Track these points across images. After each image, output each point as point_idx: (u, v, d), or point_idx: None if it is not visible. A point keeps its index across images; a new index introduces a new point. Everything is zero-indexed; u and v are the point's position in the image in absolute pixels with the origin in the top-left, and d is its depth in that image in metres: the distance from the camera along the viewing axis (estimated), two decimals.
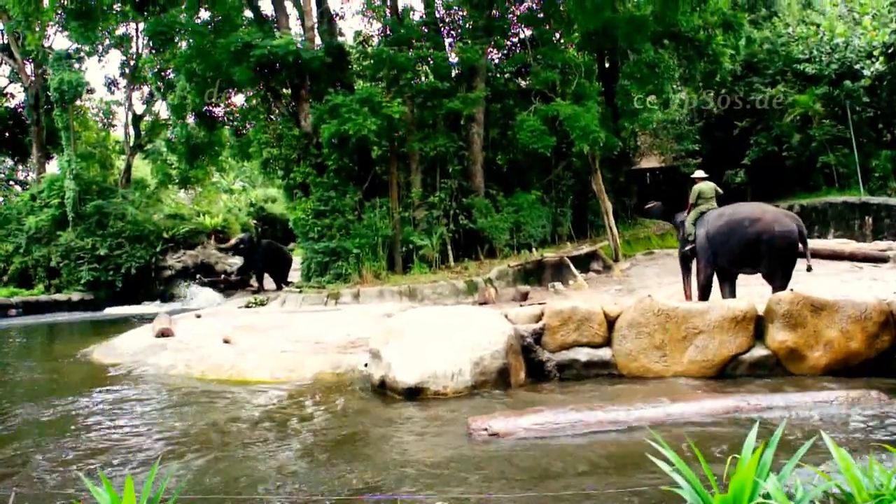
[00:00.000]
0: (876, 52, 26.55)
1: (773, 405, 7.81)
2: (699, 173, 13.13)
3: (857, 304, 9.31)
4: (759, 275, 12.19)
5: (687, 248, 12.99)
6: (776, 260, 11.45)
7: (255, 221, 27.81)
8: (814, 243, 22.02)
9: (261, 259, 23.18)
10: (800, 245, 11.65)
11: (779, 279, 11.48)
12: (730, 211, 12.12)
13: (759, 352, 9.97)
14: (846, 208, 25.35)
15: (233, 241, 23.30)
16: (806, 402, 7.79)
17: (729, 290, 12.34)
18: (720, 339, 9.96)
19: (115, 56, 31.11)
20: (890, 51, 25.57)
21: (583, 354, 10.62)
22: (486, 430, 7.45)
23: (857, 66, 26.77)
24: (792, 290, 10.50)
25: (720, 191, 13.00)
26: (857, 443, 6.34)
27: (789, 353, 9.56)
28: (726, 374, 9.91)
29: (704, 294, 12.55)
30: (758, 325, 10.12)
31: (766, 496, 3.54)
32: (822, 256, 20.46)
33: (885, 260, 19.35)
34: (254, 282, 24.31)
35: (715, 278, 12.65)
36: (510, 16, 23.19)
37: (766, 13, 30.00)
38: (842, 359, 9.25)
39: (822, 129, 26.58)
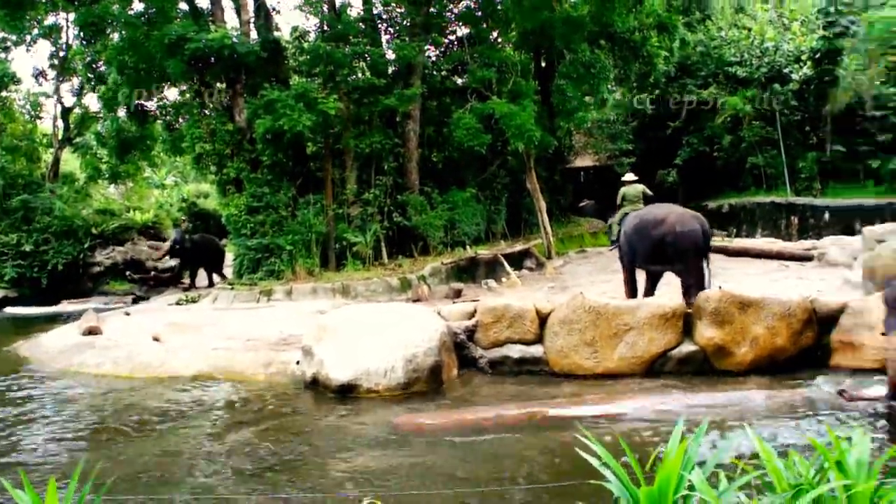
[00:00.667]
0: (804, 57, 27.23)
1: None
2: (628, 176, 13.54)
3: (783, 301, 9.54)
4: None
5: (612, 248, 13.46)
6: (680, 259, 11.71)
7: (183, 218, 27.25)
8: (742, 242, 22.51)
9: (193, 254, 22.72)
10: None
11: (691, 277, 11.69)
12: (643, 212, 12.42)
13: (687, 348, 10.15)
14: (774, 208, 25.89)
15: (166, 247, 22.58)
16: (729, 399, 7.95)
17: (649, 287, 12.63)
18: (650, 335, 10.10)
19: (44, 46, 30.28)
20: (817, 56, 26.21)
21: (515, 351, 10.71)
22: (410, 427, 7.45)
23: (786, 70, 27.41)
24: (720, 287, 10.69)
25: (649, 192, 13.30)
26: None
27: (717, 349, 9.75)
28: (655, 370, 10.08)
29: (630, 291, 12.81)
30: (686, 322, 10.29)
31: (691, 488, 3.57)
32: (751, 255, 20.81)
33: (810, 259, 19.73)
34: (186, 279, 23.90)
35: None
36: (448, 13, 23.19)
37: (700, 16, 30.39)
38: (767, 355, 9.47)
39: (751, 130, 27.12)
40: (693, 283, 11.41)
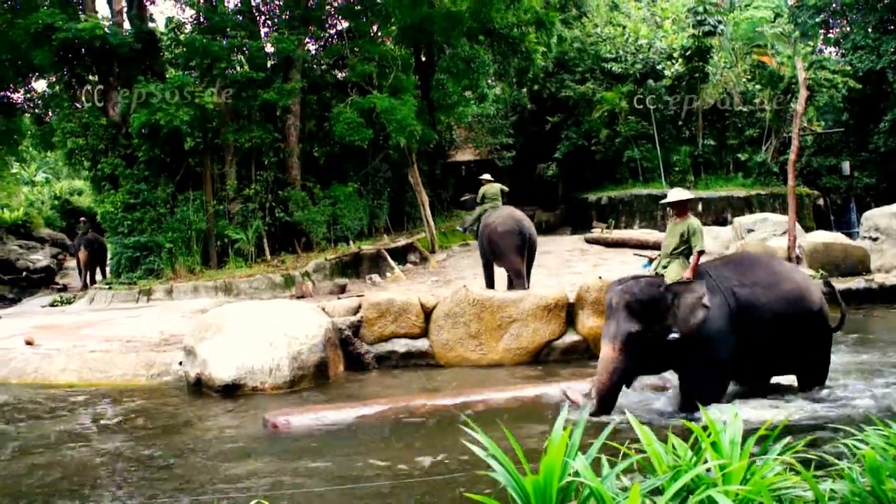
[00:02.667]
0: (676, 55, 28.10)
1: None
2: (486, 176, 14.45)
3: None
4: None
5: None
6: (502, 256, 12.90)
7: (83, 218, 26.12)
8: (621, 234, 23.15)
9: (101, 254, 21.75)
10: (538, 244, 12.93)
11: (511, 272, 12.93)
12: (486, 215, 13.54)
13: (570, 338, 10.44)
14: (650, 200, 26.62)
15: (84, 256, 21.32)
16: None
17: (489, 273, 13.71)
18: (534, 326, 10.33)
19: None
20: (687, 53, 27.08)
21: (401, 345, 10.80)
22: (283, 425, 7.43)
23: (659, 67, 28.23)
24: (600, 277, 11.02)
25: (506, 190, 14.29)
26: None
27: (599, 338, 9.99)
28: (540, 360, 10.31)
29: (488, 283, 13.68)
30: (569, 313, 10.57)
31: (576, 474, 3.67)
32: (629, 246, 21.45)
33: None
34: (59, 279, 23.04)
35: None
36: (328, 7, 22.98)
37: (577, 13, 31.06)
38: None
39: (627, 125, 27.83)
40: (513, 277, 12.73)
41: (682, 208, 8.10)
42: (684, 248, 7.85)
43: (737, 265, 7.86)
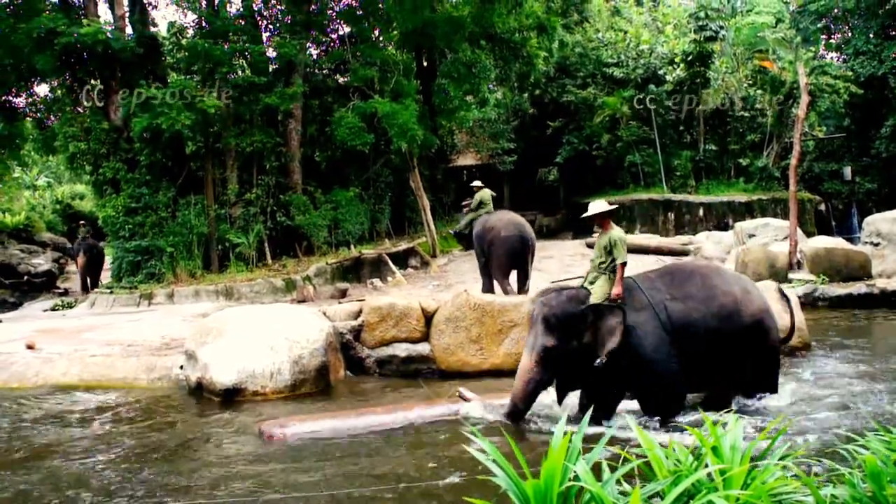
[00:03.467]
0: (677, 59, 28.11)
1: None
2: (478, 182, 14.90)
3: None
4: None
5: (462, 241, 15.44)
6: (503, 260, 13.29)
7: (83, 222, 26.10)
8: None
9: (100, 260, 21.72)
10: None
11: (521, 274, 13.46)
12: (485, 219, 13.86)
13: None
14: (651, 205, 26.66)
15: (83, 262, 21.25)
16: None
17: (487, 280, 13.94)
18: None
19: None
20: (689, 59, 27.11)
21: (402, 350, 10.76)
22: (279, 434, 7.41)
23: (661, 72, 28.26)
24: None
25: (493, 194, 14.86)
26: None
27: None
28: None
29: (486, 287, 13.95)
30: None
31: (576, 478, 3.66)
32: (630, 251, 21.32)
33: (686, 253, 20.47)
34: (61, 283, 23.03)
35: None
36: (329, 12, 23.02)
37: (578, 18, 31.13)
38: None
39: (629, 130, 27.85)
40: (523, 281, 13.37)
41: (603, 220, 7.78)
42: (610, 261, 7.54)
43: (671, 277, 7.58)
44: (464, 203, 15.83)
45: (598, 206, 7.78)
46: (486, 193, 14.47)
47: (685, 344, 7.15)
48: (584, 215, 8.06)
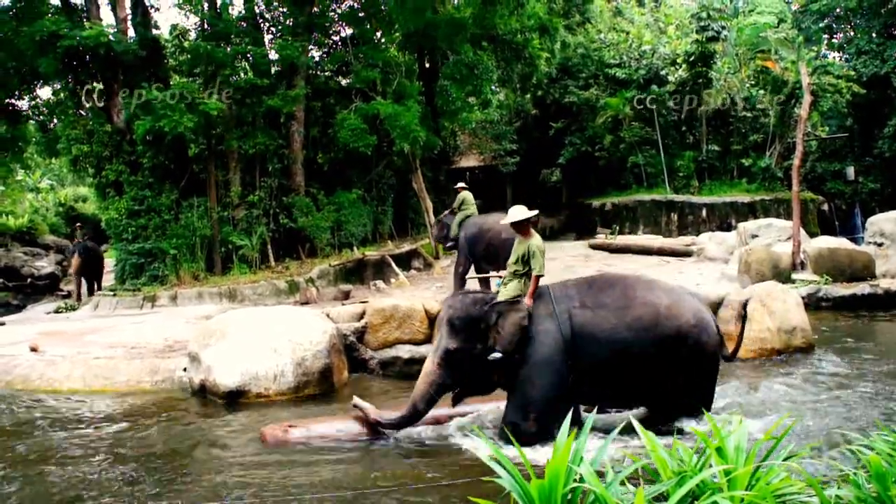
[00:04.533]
0: (679, 60, 28.06)
1: None
2: (461, 184, 15.30)
3: None
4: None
5: (448, 244, 15.57)
6: (503, 261, 12.93)
7: (79, 224, 26.11)
8: (625, 239, 23.16)
9: (99, 262, 21.62)
10: None
11: None
12: (481, 220, 14.10)
13: None
14: (654, 206, 26.61)
15: (76, 263, 21.11)
16: None
17: (484, 283, 14.10)
18: None
19: None
20: (691, 59, 27.05)
21: (405, 351, 10.79)
22: (279, 437, 7.39)
23: (663, 73, 28.21)
24: None
25: (477, 201, 15.30)
26: None
27: None
28: None
29: (461, 283, 14.38)
30: None
31: (580, 479, 3.66)
32: (633, 251, 21.54)
33: (689, 254, 20.50)
34: (64, 286, 23.02)
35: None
36: (331, 13, 23.02)
37: (580, 19, 31.11)
38: None
39: (631, 130, 27.82)
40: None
41: (523, 227, 7.70)
42: (525, 269, 7.47)
43: (589, 286, 7.37)
44: (444, 213, 16.22)
45: (518, 212, 7.68)
46: (468, 194, 14.83)
47: (588, 354, 6.93)
48: (503, 221, 8.03)
